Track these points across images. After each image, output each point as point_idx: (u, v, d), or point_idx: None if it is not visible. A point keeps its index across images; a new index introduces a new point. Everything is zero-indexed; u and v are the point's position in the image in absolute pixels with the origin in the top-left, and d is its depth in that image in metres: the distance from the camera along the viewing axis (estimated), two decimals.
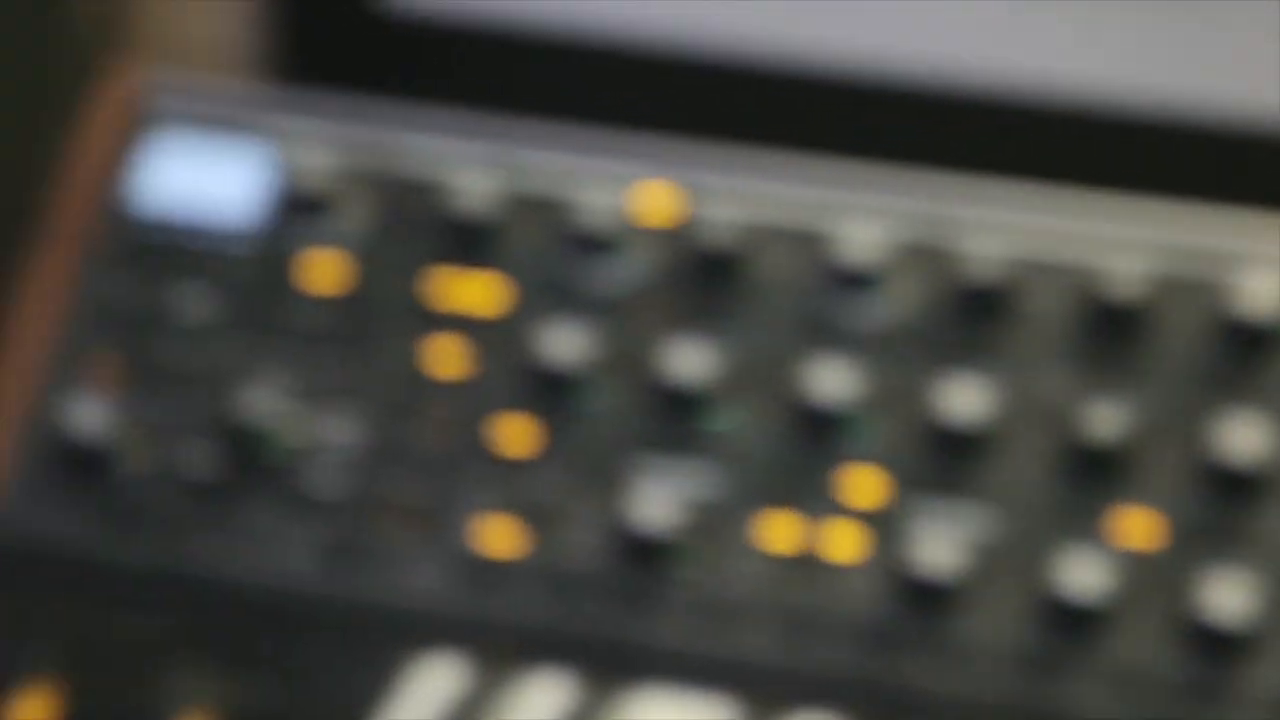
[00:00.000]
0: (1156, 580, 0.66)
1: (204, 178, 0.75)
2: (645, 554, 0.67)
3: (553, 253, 0.73)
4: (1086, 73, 0.92)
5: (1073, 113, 0.91)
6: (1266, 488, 0.66)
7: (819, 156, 0.76)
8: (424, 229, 0.74)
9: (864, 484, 0.68)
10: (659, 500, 0.67)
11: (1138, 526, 0.66)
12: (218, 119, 0.76)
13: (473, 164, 0.75)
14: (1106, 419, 0.66)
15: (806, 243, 0.73)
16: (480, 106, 0.81)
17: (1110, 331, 0.69)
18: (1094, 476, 0.67)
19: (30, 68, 0.91)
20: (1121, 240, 0.71)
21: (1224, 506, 0.67)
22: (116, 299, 0.74)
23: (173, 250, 0.75)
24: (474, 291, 0.73)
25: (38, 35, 0.91)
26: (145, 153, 0.76)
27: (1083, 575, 0.64)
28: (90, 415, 0.70)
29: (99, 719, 0.68)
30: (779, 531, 0.68)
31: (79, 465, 0.70)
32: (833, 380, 0.68)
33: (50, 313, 0.73)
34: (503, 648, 0.67)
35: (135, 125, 0.76)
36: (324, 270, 0.73)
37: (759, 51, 0.93)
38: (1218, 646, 0.63)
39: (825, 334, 0.71)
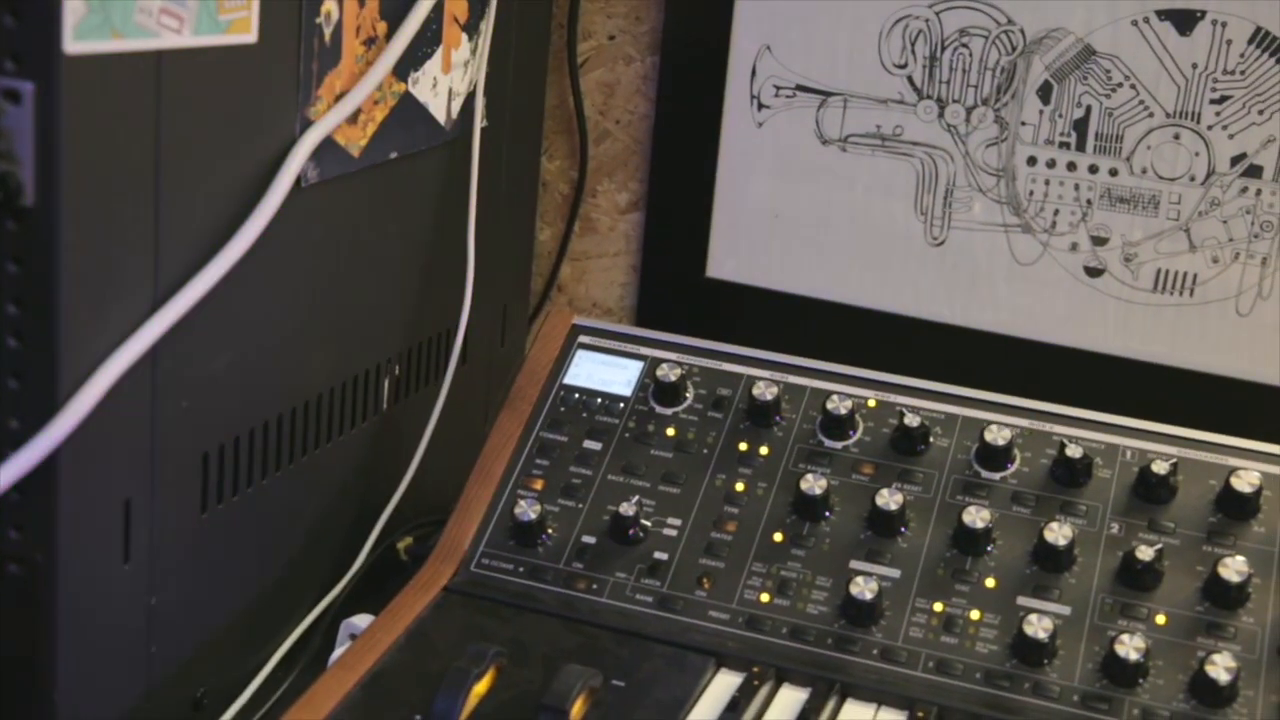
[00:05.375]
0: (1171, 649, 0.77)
1: (603, 373, 0.93)
2: (854, 613, 0.80)
3: (808, 425, 0.89)
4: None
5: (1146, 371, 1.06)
6: (1243, 596, 0.79)
7: (964, 384, 0.91)
8: (730, 408, 0.91)
9: (989, 578, 0.82)
10: (864, 581, 0.80)
11: (1160, 615, 0.79)
12: (611, 340, 0.95)
13: (759, 370, 0.92)
14: (1144, 548, 0.80)
15: (965, 427, 0.88)
16: (764, 338, 0.97)
17: (1150, 493, 0.84)
18: (1134, 583, 0.80)
19: (503, 310, 1.10)
20: (1157, 438, 0.86)
21: (1217, 607, 0.79)
22: (546, 438, 0.90)
23: (582, 412, 0.91)
24: (760, 446, 0.89)
25: (520, 294, 1.10)
26: (571, 358, 0.94)
27: (1126, 642, 0.76)
28: (526, 507, 0.85)
29: (523, 692, 0.74)
30: (936, 604, 0.81)
31: (518, 536, 0.85)
32: (974, 515, 0.82)
33: (508, 445, 0.90)
34: (762, 668, 0.78)
35: (566, 343, 0.94)
36: (670, 429, 0.90)
37: (922, 316, 1.12)
38: (1210, 693, 0.75)
39: (972, 486, 0.86)
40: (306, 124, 0.80)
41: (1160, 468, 0.83)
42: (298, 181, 0.79)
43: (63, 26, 0.61)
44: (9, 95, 0.62)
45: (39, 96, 0.62)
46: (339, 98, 0.83)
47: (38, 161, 0.63)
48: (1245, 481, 0.82)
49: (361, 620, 0.85)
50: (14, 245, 0.64)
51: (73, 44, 0.62)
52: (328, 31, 0.81)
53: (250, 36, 0.74)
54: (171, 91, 0.68)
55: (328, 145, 0.82)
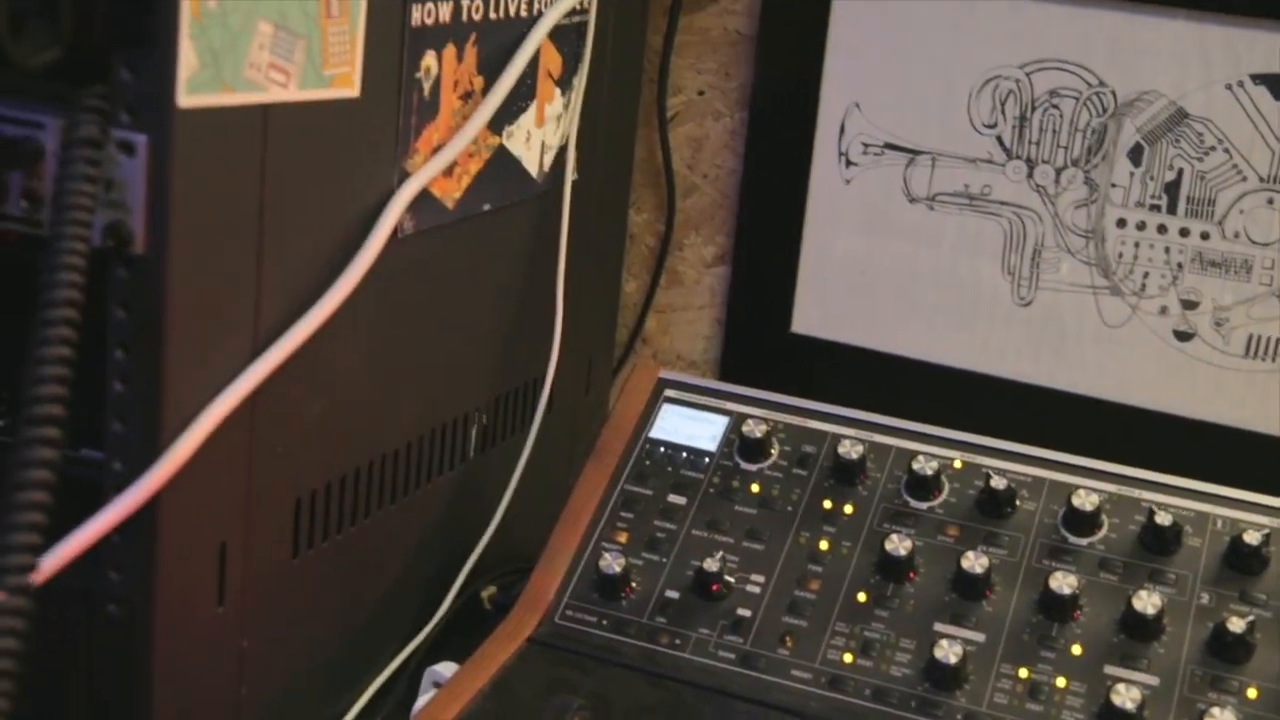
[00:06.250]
0: None
1: (688, 427, 0.93)
2: (938, 676, 0.80)
3: (893, 484, 0.89)
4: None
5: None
6: None
7: (1051, 446, 0.90)
8: (815, 466, 0.91)
9: (1076, 645, 0.81)
10: (949, 644, 0.79)
11: (1252, 689, 0.77)
12: (696, 395, 0.95)
13: (844, 428, 0.92)
14: (1236, 620, 0.79)
15: (1052, 491, 0.87)
16: (848, 395, 0.97)
17: (1241, 563, 0.82)
18: (1225, 655, 0.79)
19: (589, 361, 1.10)
20: (1249, 508, 0.85)
21: None
22: (631, 491, 0.91)
23: (667, 466, 0.92)
24: (844, 505, 0.89)
25: (605, 346, 1.10)
26: (656, 411, 0.94)
27: (1217, 716, 0.74)
28: (611, 560, 0.85)
29: None
30: (1021, 670, 0.80)
31: (602, 588, 0.86)
32: (1061, 580, 0.81)
33: (594, 497, 0.90)
34: None
35: (652, 396, 0.95)
36: (755, 485, 0.90)
37: (1008, 376, 1.11)
38: None
39: (1059, 551, 0.85)
40: (404, 176, 0.82)
41: (1252, 538, 0.82)
42: (394, 232, 0.80)
43: (177, 81, 0.63)
44: (123, 147, 0.64)
45: (151, 148, 0.63)
46: (436, 150, 0.84)
47: (148, 211, 0.64)
48: None
49: (445, 668, 0.85)
50: (123, 292, 0.65)
51: (186, 98, 0.64)
52: (427, 86, 0.82)
53: (353, 91, 0.75)
54: (277, 143, 0.70)
55: (424, 197, 0.83)
